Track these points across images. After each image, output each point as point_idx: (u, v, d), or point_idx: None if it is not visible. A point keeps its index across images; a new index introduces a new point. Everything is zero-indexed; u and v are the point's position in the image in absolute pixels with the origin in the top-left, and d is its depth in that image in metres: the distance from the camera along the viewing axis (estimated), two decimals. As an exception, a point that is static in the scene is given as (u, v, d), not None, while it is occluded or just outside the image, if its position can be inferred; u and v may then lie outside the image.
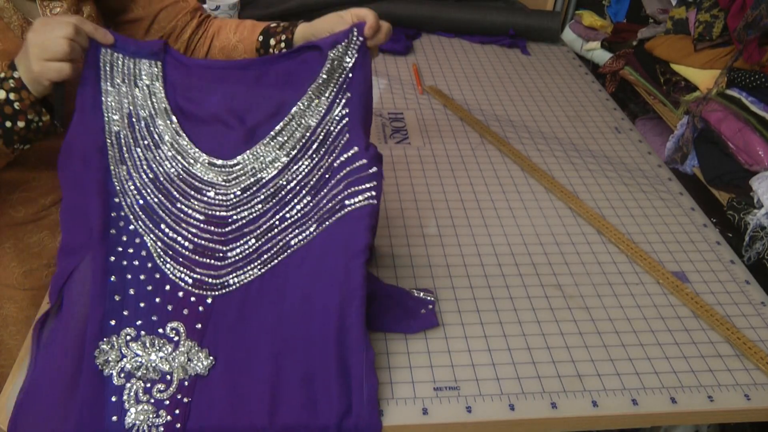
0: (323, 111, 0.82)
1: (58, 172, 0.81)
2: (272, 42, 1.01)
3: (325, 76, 0.81)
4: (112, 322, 0.79)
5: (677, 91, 1.70)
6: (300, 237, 0.82)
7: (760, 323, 0.96)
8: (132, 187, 0.82)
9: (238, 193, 0.83)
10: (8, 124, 0.78)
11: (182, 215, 0.82)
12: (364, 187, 0.80)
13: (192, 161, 0.83)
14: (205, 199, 0.83)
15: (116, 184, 0.82)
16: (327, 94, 0.82)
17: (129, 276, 0.80)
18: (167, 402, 0.75)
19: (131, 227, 0.81)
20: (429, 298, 0.95)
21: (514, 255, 1.06)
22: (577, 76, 1.67)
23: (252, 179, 0.83)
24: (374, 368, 0.80)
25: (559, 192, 1.20)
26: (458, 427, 0.80)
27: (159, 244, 0.82)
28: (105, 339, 0.78)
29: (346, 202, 0.80)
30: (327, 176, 0.82)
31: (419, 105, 1.47)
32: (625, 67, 1.92)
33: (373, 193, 0.80)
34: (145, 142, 0.82)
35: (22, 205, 0.98)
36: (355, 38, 0.81)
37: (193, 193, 0.83)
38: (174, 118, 0.82)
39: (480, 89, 1.56)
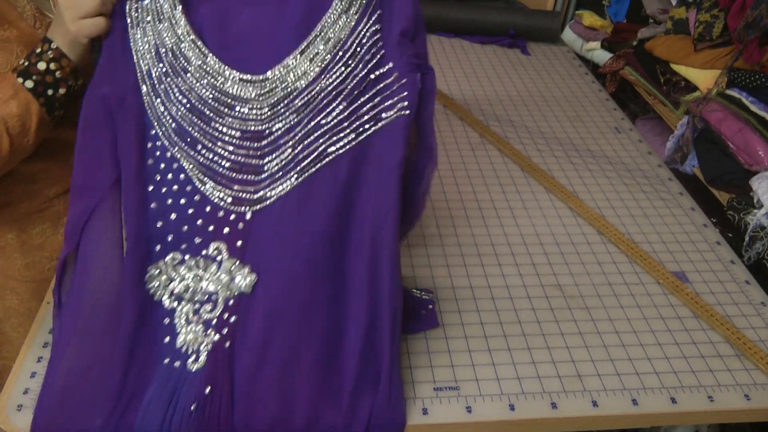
0: (353, 24, 0.81)
1: (80, 115, 0.81)
2: None
3: None
4: (158, 248, 0.81)
5: (677, 91, 1.70)
6: (337, 145, 0.81)
7: (760, 323, 0.96)
8: (167, 115, 0.83)
9: (272, 104, 0.83)
10: (50, 92, 0.83)
11: (218, 134, 0.83)
12: (396, 98, 0.80)
13: (223, 80, 0.83)
14: (239, 115, 0.83)
15: (152, 117, 0.83)
16: (354, 9, 0.81)
17: (169, 201, 0.82)
18: (215, 322, 0.78)
19: (168, 154, 0.82)
20: (429, 297, 0.95)
21: (514, 255, 1.06)
22: (577, 76, 1.67)
23: (285, 91, 0.82)
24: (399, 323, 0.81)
25: (559, 192, 1.20)
26: (458, 427, 0.80)
27: (197, 165, 0.83)
28: (153, 264, 0.80)
29: (382, 114, 0.80)
30: (363, 87, 0.82)
31: (419, 105, 1.47)
32: (625, 67, 1.92)
33: (405, 103, 0.79)
34: (174, 70, 0.83)
35: (27, 196, 0.99)
36: None
37: (226, 110, 0.83)
38: (200, 42, 0.83)
39: (480, 89, 1.56)
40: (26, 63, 0.83)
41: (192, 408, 0.74)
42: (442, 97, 1.50)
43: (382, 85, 0.81)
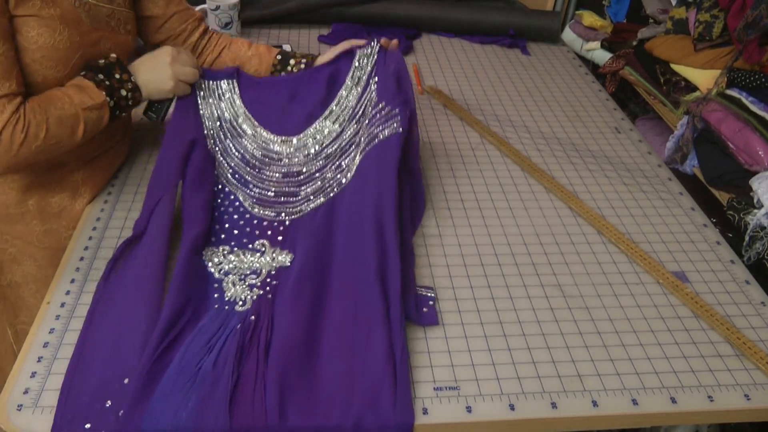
0: (360, 93, 1.14)
1: (163, 145, 1.06)
2: (292, 62, 1.22)
3: (356, 65, 1.15)
4: (212, 239, 1.02)
5: (677, 91, 1.70)
6: (350, 175, 1.08)
7: (760, 323, 0.96)
8: (225, 165, 1.12)
9: (306, 155, 1.13)
10: (117, 112, 1.02)
11: (265, 177, 1.12)
12: (389, 122, 1.04)
13: (269, 142, 1.14)
14: (282, 164, 1.13)
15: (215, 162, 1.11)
16: (361, 82, 1.14)
17: (225, 217, 1.06)
18: (258, 284, 0.95)
19: (226, 189, 1.10)
20: (429, 294, 0.95)
21: (514, 255, 1.06)
22: (577, 76, 1.67)
23: (314, 147, 1.13)
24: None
25: (559, 192, 1.20)
26: (458, 427, 0.80)
27: (248, 197, 1.09)
28: (208, 248, 1.00)
29: (379, 135, 1.04)
30: (366, 133, 1.07)
31: (419, 105, 1.47)
32: (625, 67, 1.92)
33: (396, 123, 1.03)
34: (232, 134, 1.13)
35: (49, 165, 1.04)
36: (375, 44, 1.15)
37: (272, 162, 1.13)
38: (251, 117, 1.14)
39: (480, 89, 1.56)
40: (107, 82, 0.99)
41: (237, 327, 0.87)
42: (442, 97, 1.50)
43: (377, 118, 1.06)
